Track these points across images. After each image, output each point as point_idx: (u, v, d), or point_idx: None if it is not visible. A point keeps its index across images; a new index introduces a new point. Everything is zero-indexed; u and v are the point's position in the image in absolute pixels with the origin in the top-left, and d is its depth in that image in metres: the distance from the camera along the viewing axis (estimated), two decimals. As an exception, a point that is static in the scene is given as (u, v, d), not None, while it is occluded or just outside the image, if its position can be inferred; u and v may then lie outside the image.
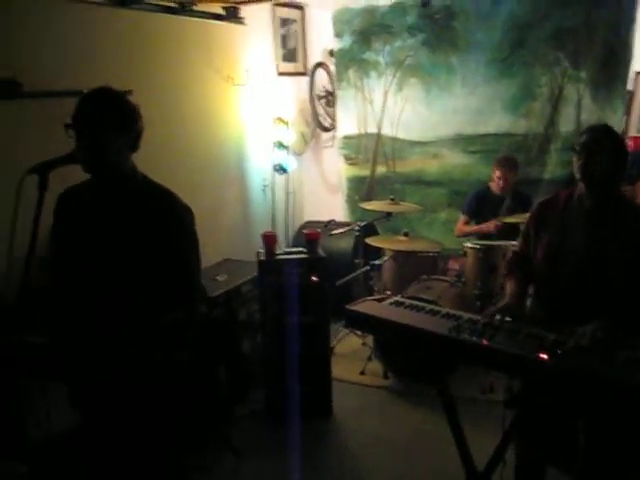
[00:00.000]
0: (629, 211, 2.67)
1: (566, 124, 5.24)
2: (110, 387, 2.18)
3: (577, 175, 2.67)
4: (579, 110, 5.29)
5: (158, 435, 2.32)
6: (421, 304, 2.78)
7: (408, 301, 2.81)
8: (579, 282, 2.64)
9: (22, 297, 2.08)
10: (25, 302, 2.11)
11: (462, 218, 5.20)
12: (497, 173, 4.92)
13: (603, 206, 2.67)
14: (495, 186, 4.96)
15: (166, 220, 2.32)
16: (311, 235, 4.16)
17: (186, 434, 2.51)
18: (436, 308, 2.75)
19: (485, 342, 2.35)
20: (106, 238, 2.29)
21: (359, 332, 5.18)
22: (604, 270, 2.60)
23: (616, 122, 5.14)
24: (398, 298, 2.89)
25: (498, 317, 2.57)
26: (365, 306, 2.77)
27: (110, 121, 2.20)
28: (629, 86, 5.12)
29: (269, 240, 4.10)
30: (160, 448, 2.33)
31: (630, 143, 5.07)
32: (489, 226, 4.83)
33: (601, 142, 2.61)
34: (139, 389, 2.22)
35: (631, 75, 5.09)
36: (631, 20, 4.93)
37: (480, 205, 5.09)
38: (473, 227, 5.04)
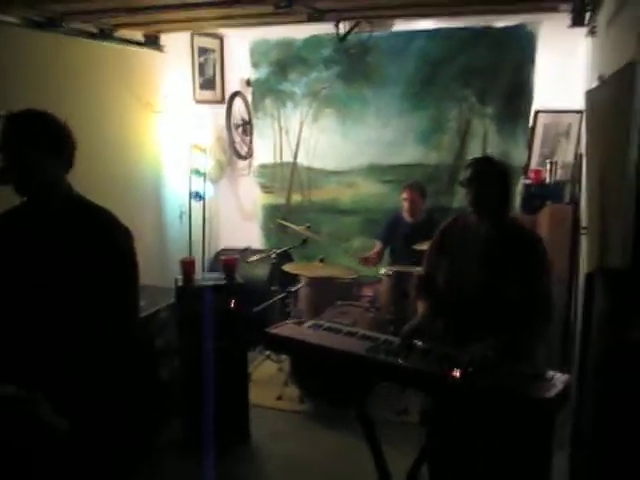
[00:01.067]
0: (520, 235, 2.86)
1: (473, 155, 5.37)
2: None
3: (468, 207, 2.86)
4: (485, 143, 5.56)
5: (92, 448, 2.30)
6: (339, 326, 2.87)
7: (327, 324, 2.90)
8: (476, 304, 2.79)
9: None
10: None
11: (377, 245, 5.37)
12: (404, 195, 5.15)
13: (496, 232, 2.85)
14: (404, 210, 5.16)
15: (103, 239, 2.29)
16: (229, 261, 4.20)
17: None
18: (353, 329, 2.85)
19: (400, 361, 2.45)
20: (41, 262, 2.25)
21: (275, 358, 5.23)
22: (496, 291, 2.76)
23: (519, 155, 5.44)
24: (317, 321, 2.97)
25: (411, 338, 2.68)
26: (285, 329, 2.84)
27: (39, 141, 2.19)
28: (530, 122, 5.42)
29: (188, 266, 4.11)
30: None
31: (532, 175, 5.36)
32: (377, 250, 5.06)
33: (485, 175, 2.82)
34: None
35: (532, 112, 5.40)
36: (531, 63, 5.25)
37: (393, 232, 5.28)
38: (371, 253, 5.26)
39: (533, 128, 5.45)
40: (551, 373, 2.38)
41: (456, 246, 2.92)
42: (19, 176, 2.18)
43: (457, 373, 2.31)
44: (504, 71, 5.40)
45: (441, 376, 2.34)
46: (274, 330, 2.81)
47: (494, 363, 2.42)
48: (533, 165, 5.47)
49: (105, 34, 4.56)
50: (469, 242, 2.88)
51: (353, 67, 5.80)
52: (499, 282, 2.75)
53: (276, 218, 6.26)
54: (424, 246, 4.71)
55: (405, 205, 5.16)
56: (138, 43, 5.04)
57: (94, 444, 2.28)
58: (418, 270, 4.43)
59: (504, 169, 2.91)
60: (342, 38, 4.65)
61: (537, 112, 5.41)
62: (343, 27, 5.05)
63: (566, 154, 5.37)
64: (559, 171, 5.25)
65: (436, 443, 2.69)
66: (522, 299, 2.71)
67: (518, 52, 5.31)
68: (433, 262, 3.03)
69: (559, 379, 2.32)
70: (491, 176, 2.80)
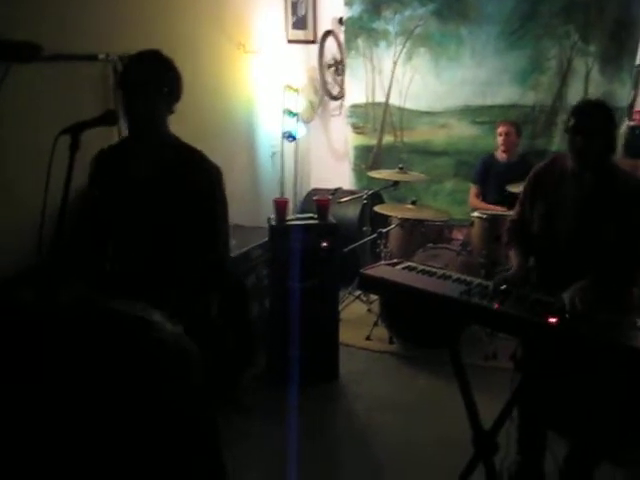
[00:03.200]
0: (624, 184, 2.73)
1: (574, 97, 5.26)
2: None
3: (570, 155, 2.73)
4: (587, 83, 5.34)
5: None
6: (433, 269, 2.87)
7: (420, 266, 2.90)
8: (573, 253, 2.71)
9: (54, 255, 2.15)
10: (57, 260, 2.18)
11: (473, 189, 5.30)
12: (499, 129, 5.06)
13: (596, 179, 2.72)
14: (499, 148, 5.05)
15: (197, 177, 2.40)
16: (322, 202, 4.22)
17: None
18: (447, 273, 2.83)
19: (496, 306, 2.44)
20: (140, 194, 2.37)
21: (365, 298, 5.27)
22: (595, 241, 2.68)
23: (624, 96, 5.19)
24: (410, 263, 2.98)
25: (504, 287, 2.64)
26: (379, 270, 2.85)
27: (163, 83, 2.27)
28: (637, 60, 5.15)
29: (281, 206, 4.16)
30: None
31: (637, 117, 5.13)
32: (497, 209, 4.92)
33: (592, 125, 2.66)
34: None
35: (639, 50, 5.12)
36: (642, -4, 4.97)
37: (486, 173, 5.19)
38: (485, 205, 5.12)
39: (640, 67, 5.18)
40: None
41: (552, 191, 2.82)
42: (140, 117, 2.26)
43: (554, 319, 2.28)
44: (609, 5, 5.12)
45: (537, 322, 2.31)
46: (368, 271, 2.83)
47: (590, 309, 2.37)
48: (638, 106, 5.21)
49: (199, -26, 4.58)
50: (567, 188, 2.78)
51: (448, 4, 5.64)
52: (597, 231, 2.67)
53: (368, 160, 6.26)
54: (518, 188, 4.65)
55: (499, 140, 5.06)
56: (232, -18, 5.03)
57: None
58: (511, 214, 4.40)
59: (612, 117, 2.74)
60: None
61: (646, 48, 5.14)
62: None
63: (676, 94, 5.10)
64: (667, 112, 5.00)
65: (529, 389, 2.67)
66: (621, 249, 2.63)
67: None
68: (527, 206, 2.94)
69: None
70: (597, 126, 2.65)
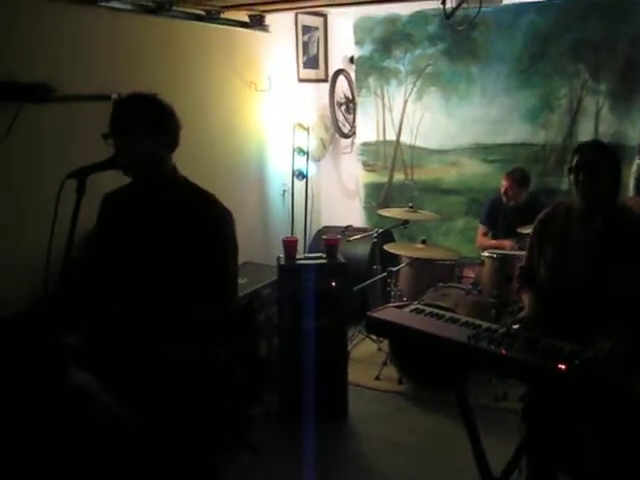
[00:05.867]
0: (634, 226, 2.69)
1: (584, 135, 5.26)
2: (147, 382, 2.23)
3: (575, 196, 2.70)
4: (597, 122, 5.34)
5: (193, 430, 2.38)
6: (441, 312, 2.84)
7: (428, 309, 2.87)
8: (583, 299, 2.66)
9: (57, 300, 2.16)
10: (61, 304, 2.19)
11: (481, 229, 5.31)
12: (503, 182, 5.05)
13: (602, 220, 2.69)
14: (502, 197, 5.05)
15: (206, 222, 2.38)
16: (331, 241, 4.22)
17: (215, 430, 2.56)
18: (455, 316, 2.80)
19: (504, 351, 2.40)
20: (146, 239, 2.36)
21: (375, 337, 5.23)
22: (607, 287, 2.63)
23: (634, 134, 5.18)
24: (418, 306, 2.95)
25: (516, 327, 2.61)
26: (386, 313, 2.83)
27: (144, 124, 2.27)
28: (647, 99, 5.15)
29: (290, 245, 4.16)
30: (195, 443, 2.39)
31: (647, 155, 5.11)
32: (506, 245, 4.90)
33: (596, 163, 2.64)
34: (176, 383, 2.27)
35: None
36: (652, 35, 4.98)
37: (495, 215, 5.19)
38: (493, 242, 5.12)
39: (651, 105, 5.17)
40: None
41: (559, 236, 2.79)
42: (130, 160, 2.27)
43: (563, 366, 2.24)
44: (620, 44, 5.14)
45: (545, 368, 2.27)
46: (375, 314, 2.80)
47: (624, 359, 2.33)
48: (649, 144, 5.20)
49: (212, 16, 4.64)
50: (574, 231, 2.75)
51: (459, 43, 5.67)
52: (606, 274, 2.63)
53: (378, 198, 6.27)
54: (528, 229, 4.64)
55: (502, 191, 5.05)
56: (243, 24, 5.10)
57: (190, 416, 2.36)
58: (522, 254, 4.38)
59: (614, 156, 2.73)
60: (449, 15, 4.52)
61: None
62: (450, 2, 4.92)
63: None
64: (677, 151, 4.98)
65: (537, 437, 2.63)
66: (632, 292, 2.59)
67: (635, 23, 5.04)
68: (534, 253, 2.92)
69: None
70: (601, 165, 2.64)
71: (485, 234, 5.31)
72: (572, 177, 2.68)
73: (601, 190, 2.64)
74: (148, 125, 2.29)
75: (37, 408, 2.04)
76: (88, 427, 2.07)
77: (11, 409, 2.05)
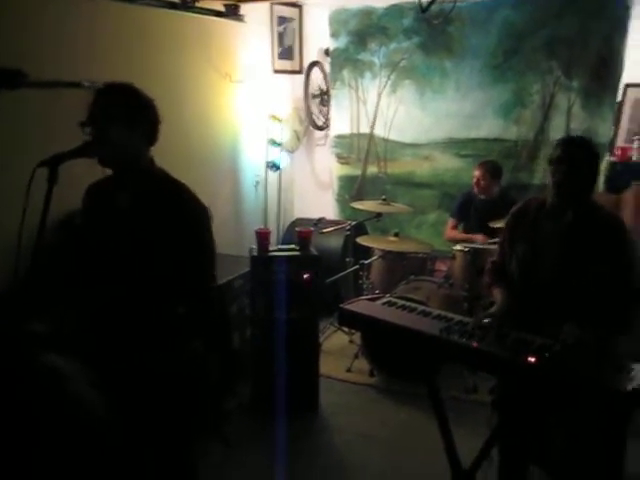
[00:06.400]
0: (603, 222, 2.71)
1: (556, 132, 5.32)
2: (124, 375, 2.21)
3: (551, 190, 2.72)
4: (569, 118, 5.39)
5: (170, 423, 2.36)
6: (413, 305, 2.85)
7: (400, 302, 2.88)
8: (554, 293, 2.69)
9: (28, 287, 2.13)
10: (31, 292, 2.16)
11: (450, 222, 5.34)
12: (475, 173, 5.08)
13: (574, 216, 2.71)
14: (474, 188, 5.08)
15: (182, 213, 2.37)
16: (304, 233, 4.21)
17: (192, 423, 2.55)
18: (427, 309, 2.82)
19: (475, 345, 2.42)
20: (125, 231, 2.34)
21: (347, 329, 5.25)
22: (577, 281, 2.66)
23: (605, 131, 5.24)
24: (390, 298, 2.96)
25: (487, 321, 2.63)
26: (359, 305, 2.84)
27: (123, 115, 2.25)
28: (618, 97, 5.21)
29: (263, 237, 4.15)
30: (171, 437, 2.37)
31: (618, 153, 5.17)
32: (477, 238, 4.94)
33: (576, 157, 2.65)
34: (154, 377, 2.25)
35: (621, 86, 5.18)
36: (624, 32, 5.02)
37: (467, 209, 5.22)
38: (462, 235, 5.16)
39: (621, 103, 5.24)
40: (635, 365, 2.29)
41: (529, 231, 2.81)
42: (106, 150, 2.24)
43: (533, 359, 2.27)
44: (593, 42, 5.19)
45: (516, 361, 2.30)
46: (348, 306, 2.81)
47: (587, 347, 2.35)
48: (619, 142, 5.28)
49: (187, 5, 4.60)
50: (545, 226, 2.77)
51: (434, 37, 5.69)
52: (576, 269, 2.65)
53: (351, 191, 6.29)
54: (499, 223, 4.67)
55: (473, 182, 5.09)
56: (219, 13, 5.06)
57: (165, 408, 2.34)
58: (493, 248, 4.41)
59: (596, 154, 2.74)
60: (425, 8, 4.54)
61: (627, 86, 5.20)
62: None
63: (656, 131, 5.15)
64: (648, 149, 5.05)
65: (508, 428, 2.66)
66: (601, 287, 2.62)
67: (609, 21, 5.10)
68: (506, 248, 2.94)
69: (640, 371, 2.24)
70: (582, 160, 2.65)
71: (454, 227, 5.33)
72: (551, 169, 2.70)
73: (577, 185, 2.66)
74: (127, 116, 2.27)
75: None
76: (60, 409, 2.04)
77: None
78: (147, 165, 2.41)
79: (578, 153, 2.68)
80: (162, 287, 2.32)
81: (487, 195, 5.07)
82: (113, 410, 2.17)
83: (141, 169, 2.38)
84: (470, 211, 5.21)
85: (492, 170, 5.05)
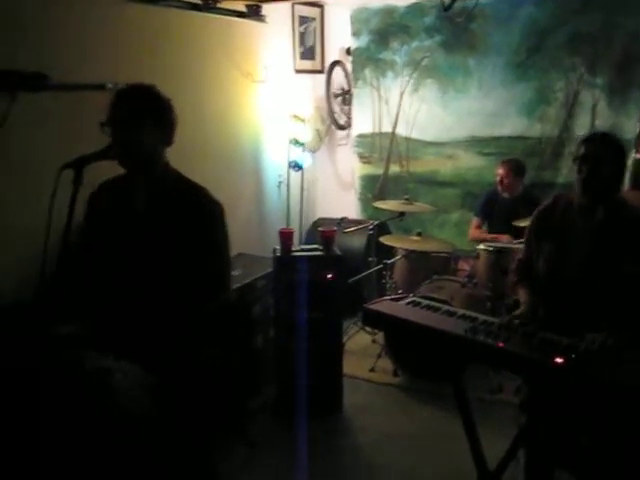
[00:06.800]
0: (634, 219, 2.69)
1: (581, 129, 5.27)
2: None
3: (577, 188, 2.69)
4: (594, 115, 5.33)
5: (193, 425, 2.37)
6: (437, 305, 2.84)
7: (424, 301, 2.87)
8: (583, 292, 2.66)
9: (54, 290, 2.14)
10: (56, 294, 2.17)
11: (474, 221, 5.31)
12: (499, 171, 5.07)
13: (602, 213, 2.68)
14: (498, 186, 5.05)
15: (198, 214, 2.38)
16: (327, 233, 4.20)
17: (214, 426, 2.56)
18: (452, 309, 2.80)
19: (501, 344, 2.40)
20: (140, 232, 2.35)
21: (370, 329, 5.23)
22: (609, 282, 2.63)
23: (630, 128, 5.18)
24: (415, 298, 2.95)
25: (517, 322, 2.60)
26: (383, 305, 2.83)
27: (145, 117, 2.26)
28: (644, 93, 5.15)
29: (286, 237, 4.15)
30: (194, 438, 2.38)
31: (643, 149, 5.11)
32: (502, 238, 4.90)
33: (602, 154, 2.63)
34: (175, 379, 2.26)
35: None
36: (649, 28, 4.97)
37: (490, 207, 5.19)
38: (487, 235, 5.11)
39: (647, 99, 5.17)
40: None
41: (558, 230, 2.79)
42: (127, 151, 2.25)
43: (560, 360, 2.24)
44: (617, 38, 5.12)
45: (542, 362, 2.27)
46: (372, 306, 2.80)
47: (615, 352, 2.32)
48: (645, 138, 5.20)
49: (209, 6, 4.61)
50: (574, 224, 2.75)
51: (456, 35, 5.65)
52: (607, 267, 2.63)
53: (374, 190, 6.28)
54: (524, 222, 4.64)
55: (497, 179, 5.07)
56: (240, 14, 5.06)
57: (186, 407, 2.35)
58: (519, 248, 4.38)
59: (622, 149, 2.71)
60: (447, 7, 4.51)
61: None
62: (448, -6, 4.91)
63: (683, 127, 5.08)
64: (674, 145, 4.98)
65: (535, 430, 2.63)
66: (632, 286, 2.59)
67: (634, 16, 5.03)
68: (533, 246, 2.91)
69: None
70: (607, 157, 2.62)
71: (479, 227, 5.30)
72: (577, 166, 2.67)
73: (603, 183, 2.63)
74: (150, 118, 2.28)
75: (55, 399, 2.03)
76: (110, 412, 2.07)
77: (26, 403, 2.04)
78: (163, 166, 2.42)
79: (603, 149, 2.65)
80: (179, 288, 2.32)
81: (511, 193, 5.04)
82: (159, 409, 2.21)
83: (159, 171, 2.39)
84: (494, 210, 5.18)
85: (515, 168, 5.03)
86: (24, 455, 1.97)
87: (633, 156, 5.10)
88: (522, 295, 2.89)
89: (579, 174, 2.66)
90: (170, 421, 2.25)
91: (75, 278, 2.39)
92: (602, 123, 5.24)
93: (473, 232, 5.31)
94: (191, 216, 2.37)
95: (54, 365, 2.10)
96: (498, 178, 5.05)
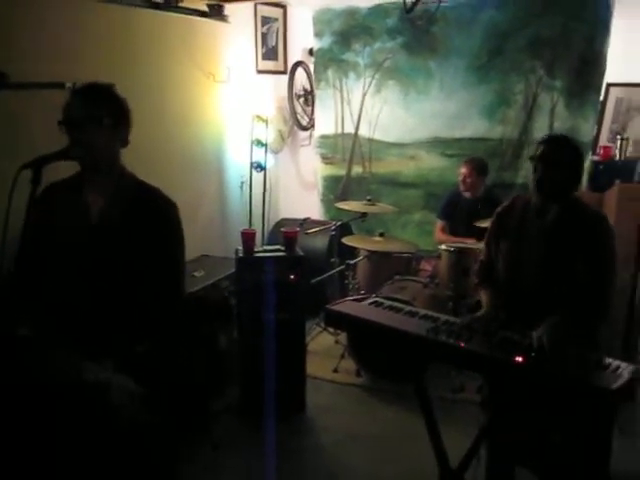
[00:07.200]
0: (587, 218, 2.73)
1: (539, 131, 5.34)
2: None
3: (533, 187, 2.74)
4: (552, 118, 5.42)
5: (154, 426, 2.34)
6: (400, 305, 2.85)
7: (387, 302, 2.88)
8: (538, 291, 2.71)
9: (10, 290, 2.11)
10: (13, 295, 2.13)
11: (439, 224, 5.35)
12: (462, 170, 5.12)
13: (558, 213, 2.73)
14: (460, 185, 5.10)
15: (152, 216, 2.35)
16: (290, 234, 4.20)
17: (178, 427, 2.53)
18: (414, 309, 2.82)
19: (462, 344, 2.43)
20: (94, 233, 2.31)
21: (332, 330, 5.24)
22: (563, 280, 2.68)
23: (588, 131, 5.28)
24: (377, 299, 2.96)
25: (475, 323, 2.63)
26: (345, 306, 2.83)
27: (102, 117, 2.22)
28: (601, 96, 5.25)
29: (248, 238, 4.13)
30: (155, 440, 2.35)
31: (600, 152, 5.20)
32: (468, 242, 4.92)
33: (558, 155, 2.67)
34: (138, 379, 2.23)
35: (603, 86, 5.22)
36: (606, 32, 5.06)
37: (453, 208, 5.23)
38: (453, 238, 5.12)
39: (604, 102, 5.28)
40: (617, 362, 2.31)
41: (515, 230, 2.83)
42: (85, 152, 2.21)
43: (520, 358, 2.27)
44: (575, 42, 5.22)
45: (503, 361, 2.30)
46: (334, 307, 2.80)
47: (558, 347, 2.37)
48: (602, 141, 5.31)
49: (170, 4, 4.57)
50: (529, 225, 2.79)
51: (418, 38, 5.70)
52: (562, 266, 2.68)
53: (336, 191, 6.29)
54: (485, 223, 4.68)
55: (459, 179, 5.11)
56: (202, 13, 5.04)
57: (154, 411, 2.32)
58: (480, 248, 4.42)
59: (578, 151, 2.75)
60: (409, 9, 4.55)
61: (609, 85, 5.24)
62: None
63: (639, 130, 5.18)
64: (630, 148, 5.10)
65: (495, 428, 2.66)
66: (585, 282, 2.64)
67: (592, 21, 5.12)
68: (492, 247, 2.95)
69: (626, 369, 2.25)
70: (563, 158, 2.67)
71: (444, 229, 5.34)
72: (533, 166, 2.71)
73: (558, 183, 2.68)
74: (109, 118, 2.25)
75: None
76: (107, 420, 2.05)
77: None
78: (120, 168, 2.39)
79: (559, 151, 2.70)
80: (134, 288, 2.30)
81: (473, 193, 5.09)
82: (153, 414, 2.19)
83: (116, 171, 2.36)
84: (456, 210, 5.23)
85: (478, 167, 5.08)
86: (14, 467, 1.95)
87: (590, 158, 5.19)
88: (483, 297, 2.92)
89: (534, 173, 2.71)
90: (157, 430, 2.24)
91: (28, 280, 2.34)
92: (560, 125, 5.32)
93: (439, 235, 5.31)
94: (146, 216, 2.34)
95: (48, 375, 2.08)
96: (461, 177, 5.10)
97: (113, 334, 2.24)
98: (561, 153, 2.69)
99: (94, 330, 2.24)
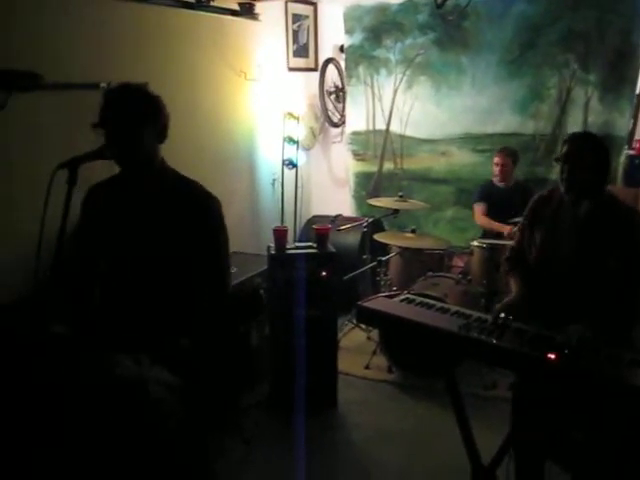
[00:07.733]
0: (621, 215, 2.71)
1: (573, 126, 5.29)
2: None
3: (560, 186, 2.72)
4: (586, 112, 5.36)
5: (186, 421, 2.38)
6: (431, 302, 2.85)
7: (418, 298, 2.88)
8: (570, 284, 2.70)
9: (49, 289, 2.15)
10: (51, 294, 2.18)
11: (477, 208, 5.27)
12: (496, 159, 5.12)
13: (591, 209, 2.71)
14: (495, 176, 5.09)
15: (195, 210, 2.39)
16: (322, 230, 4.21)
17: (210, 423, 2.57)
18: (446, 306, 2.81)
19: (494, 341, 2.42)
20: (138, 231, 2.35)
21: (364, 326, 5.24)
22: (594, 275, 2.66)
23: (623, 125, 5.21)
24: (408, 295, 2.96)
25: (503, 315, 2.61)
26: (377, 302, 2.83)
27: (142, 116, 2.26)
28: (637, 90, 5.17)
29: (280, 235, 4.15)
30: (188, 434, 2.39)
31: (636, 146, 5.13)
32: (505, 229, 4.89)
33: (583, 153, 2.65)
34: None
35: (639, 79, 5.14)
36: (641, 25, 4.99)
37: (487, 196, 5.20)
38: (496, 224, 5.05)
39: (640, 96, 5.20)
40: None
41: (550, 220, 2.82)
42: (123, 151, 2.25)
43: (553, 355, 2.26)
44: (610, 35, 5.15)
45: (536, 358, 2.29)
46: (366, 303, 2.81)
47: (592, 345, 2.35)
48: (638, 135, 5.23)
49: (202, 4, 4.61)
50: (564, 217, 2.78)
51: (449, 33, 5.67)
52: (593, 261, 2.66)
53: (368, 187, 6.29)
54: (519, 218, 4.66)
55: (496, 169, 5.13)
56: (233, 12, 5.07)
57: (190, 405, 2.36)
58: (510, 243, 4.39)
59: (604, 148, 2.72)
60: (440, 4, 4.53)
61: (647, 77, 5.16)
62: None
63: (675, 124, 5.11)
64: (667, 142, 5.01)
65: (527, 425, 2.65)
66: (618, 279, 2.61)
67: (627, 14, 5.06)
68: (526, 234, 2.94)
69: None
70: (588, 155, 2.65)
71: (484, 212, 5.22)
72: (559, 168, 2.70)
73: (584, 181, 2.66)
74: (145, 117, 2.29)
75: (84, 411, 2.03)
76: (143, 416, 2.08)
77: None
78: (160, 164, 2.43)
79: (583, 149, 2.67)
80: (179, 283, 2.34)
81: (507, 183, 5.08)
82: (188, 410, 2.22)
83: (155, 168, 2.40)
84: (490, 200, 5.18)
85: (511, 155, 5.09)
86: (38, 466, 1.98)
87: (625, 153, 5.12)
88: (513, 284, 2.91)
89: (561, 174, 2.69)
90: (194, 423, 2.27)
91: (69, 279, 2.39)
92: (595, 120, 5.27)
93: (482, 218, 5.22)
94: (189, 211, 2.39)
95: (81, 372, 2.11)
96: (497, 167, 5.08)
97: (156, 328, 2.28)
98: (586, 152, 2.66)
99: (137, 325, 2.28)
